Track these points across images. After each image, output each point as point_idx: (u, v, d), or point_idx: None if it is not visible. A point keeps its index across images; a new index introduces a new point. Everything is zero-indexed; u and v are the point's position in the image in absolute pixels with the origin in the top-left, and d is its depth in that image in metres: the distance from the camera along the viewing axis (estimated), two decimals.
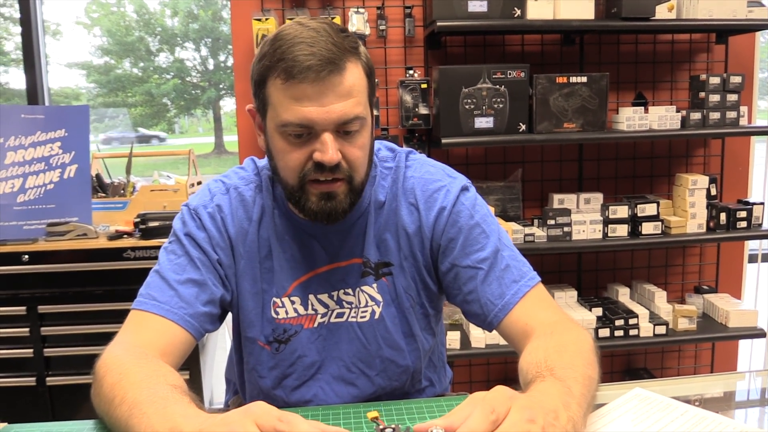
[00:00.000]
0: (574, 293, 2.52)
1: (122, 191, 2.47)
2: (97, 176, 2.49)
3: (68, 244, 2.23)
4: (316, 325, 1.11)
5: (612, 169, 2.61)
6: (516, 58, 2.49)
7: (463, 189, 1.12)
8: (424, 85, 2.39)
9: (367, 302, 1.10)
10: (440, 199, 1.10)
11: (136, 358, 0.88)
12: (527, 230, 2.32)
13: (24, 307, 2.23)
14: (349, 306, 1.11)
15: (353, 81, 0.94)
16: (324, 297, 1.10)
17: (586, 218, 2.34)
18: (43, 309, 2.24)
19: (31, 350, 2.25)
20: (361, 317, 1.10)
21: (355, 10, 2.32)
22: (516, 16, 2.18)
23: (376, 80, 2.39)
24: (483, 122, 2.24)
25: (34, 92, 2.66)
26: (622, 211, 2.34)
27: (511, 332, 1.03)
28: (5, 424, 0.94)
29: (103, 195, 2.46)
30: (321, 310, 1.10)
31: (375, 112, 2.35)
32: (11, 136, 2.30)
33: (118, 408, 0.78)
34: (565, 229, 2.33)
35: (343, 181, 0.98)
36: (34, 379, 2.26)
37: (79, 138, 2.37)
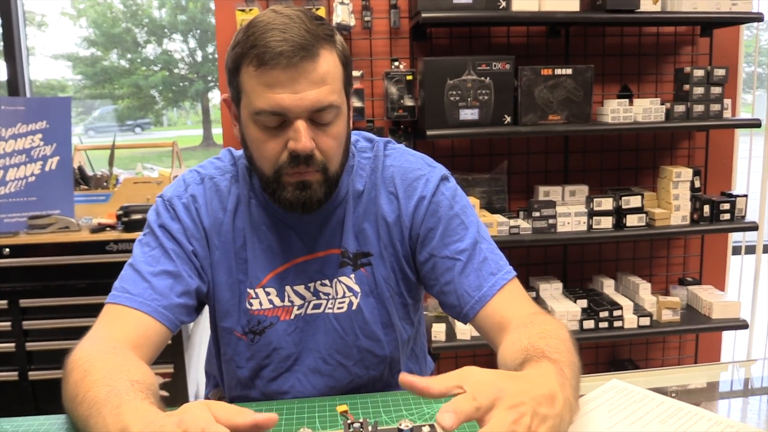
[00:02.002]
0: (559, 285, 2.52)
1: (105, 183, 2.45)
2: (80, 168, 2.47)
3: (50, 237, 2.21)
4: (292, 317, 1.10)
5: (597, 161, 2.62)
6: (502, 50, 2.49)
7: (443, 178, 1.11)
8: (409, 77, 2.37)
9: (344, 293, 1.09)
10: (420, 188, 1.09)
11: (103, 353, 0.86)
12: (512, 222, 2.32)
13: (5, 301, 2.21)
14: (326, 297, 1.10)
15: (327, 68, 0.93)
16: (300, 288, 1.09)
17: (571, 210, 2.34)
18: (24, 303, 2.22)
19: (14, 344, 2.23)
20: (338, 308, 1.10)
21: (340, 1, 2.30)
22: (501, 7, 2.17)
23: (361, 72, 2.40)
24: (468, 114, 2.23)
25: (15, 84, 2.63)
26: (606, 203, 2.34)
27: (487, 325, 1.03)
28: None
29: (86, 187, 2.44)
30: (297, 301, 1.09)
31: (357, 103, 2.35)
32: None
33: (80, 407, 0.77)
34: (550, 221, 2.33)
35: (317, 171, 0.97)
36: (16, 373, 2.25)
37: (61, 130, 2.34)
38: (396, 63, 2.41)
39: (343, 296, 1.10)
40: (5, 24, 2.61)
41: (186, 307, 1.04)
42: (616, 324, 2.38)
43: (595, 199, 2.34)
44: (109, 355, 0.87)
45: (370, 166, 1.12)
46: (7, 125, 2.29)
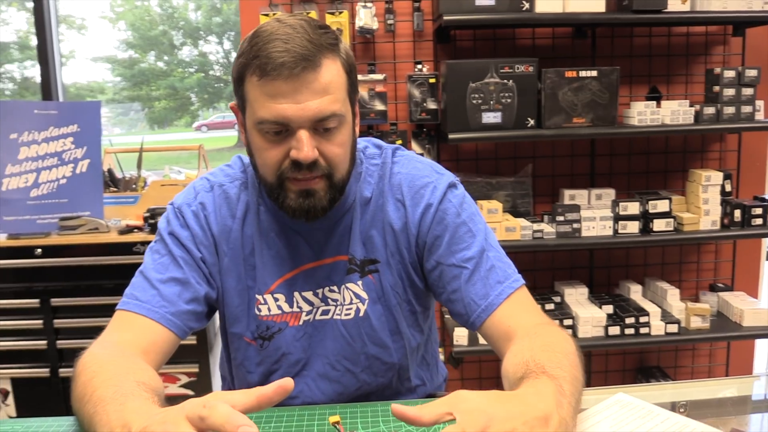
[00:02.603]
0: (585, 290, 2.49)
1: (133, 186, 2.50)
2: (109, 171, 2.53)
3: (80, 238, 2.27)
4: (301, 323, 1.11)
5: (625, 164, 2.57)
6: (527, 52, 2.46)
7: (450, 186, 1.10)
8: (432, 80, 2.37)
9: (351, 300, 1.10)
10: (427, 195, 1.09)
11: (111, 357, 0.89)
12: (536, 226, 2.29)
13: (38, 300, 2.28)
14: (334, 303, 1.10)
15: (330, 78, 0.93)
16: (309, 294, 1.10)
17: (596, 214, 2.30)
18: (56, 302, 2.29)
19: (45, 342, 2.30)
20: (346, 315, 1.10)
21: (363, 4, 2.31)
22: (524, 9, 2.15)
23: (384, 75, 2.40)
24: (490, 117, 2.21)
25: (48, 87, 2.71)
26: (633, 208, 2.29)
27: (493, 334, 1.02)
28: None
29: (115, 189, 2.50)
30: (306, 307, 1.10)
31: (380, 107, 2.35)
32: (25, 131, 2.34)
33: (86, 405, 0.79)
34: (575, 225, 2.29)
35: (321, 177, 0.97)
36: (48, 370, 2.31)
37: (91, 133, 2.41)
38: (419, 66, 2.40)
39: (351, 303, 1.10)
40: (39, 29, 2.69)
41: (194, 314, 1.05)
42: (643, 330, 2.33)
43: (620, 204, 2.29)
44: (118, 358, 0.89)
45: (378, 173, 1.12)
46: (40, 129, 2.36)
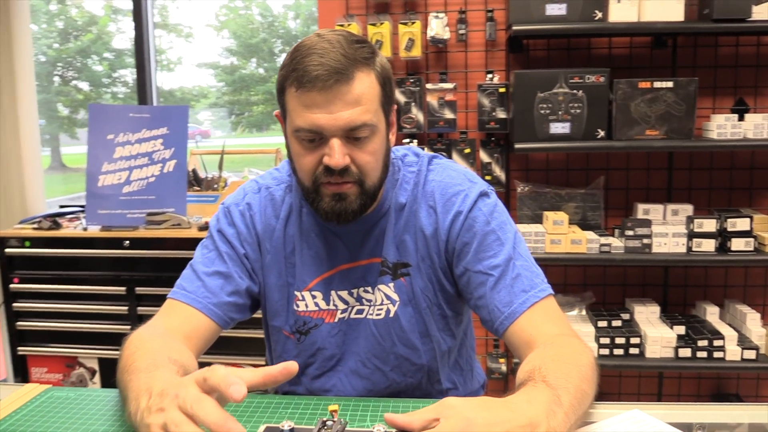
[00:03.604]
0: (656, 309, 2.39)
1: (215, 186, 2.67)
2: (194, 171, 2.70)
3: (164, 233, 2.45)
4: (336, 320, 1.16)
5: (706, 179, 2.45)
6: (602, 62, 2.41)
7: (482, 194, 1.12)
8: (502, 89, 2.37)
9: (383, 300, 1.14)
10: (458, 203, 1.11)
11: (153, 336, 0.98)
12: (603, 240, 2.24)
13: (124, 288, 2.47)
14: (368, 303, 1.15)
15: (362, 90, 0.98)
16: (344, 294, 1.15)
17: (668, 230, 2.22)
18: (140, 290, 2.47)
19: (129, 327, 2.48)
20: (377, 315, 1.15)
21: (435, 15, 2.35)
22: (597, 18, 2.12)
23: (454, 84, 2.42)
24: (559, 128, 2.19)
25: (143, 91, 2.93)
26: (709, 225, 2.19)
27: (516, 341, 1.03)
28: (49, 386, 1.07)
29: (198, 188, 2.67)
30: (341, 306, 1.16)
31: (449, 115, 2.38)
32: (120, 132, 2.56)
33: (125, 375, 0.88)
34: (645, 240, 2.22)
35: (353, 183, 1.03)
36: None
37: (179, 135, 2.58)
38: (490, 75, 2.41)
39: (382, 303, 1.14)
40: (137, 36, 2.92)
41: (236, 305, 1.13)
42: (717, 355, 2.22)
43: (696, 220, 2.20)
44: (158, 338, 0.99)
45: (413, 180, 1.16)
46: (134, 131, 2.56)
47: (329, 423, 0.70)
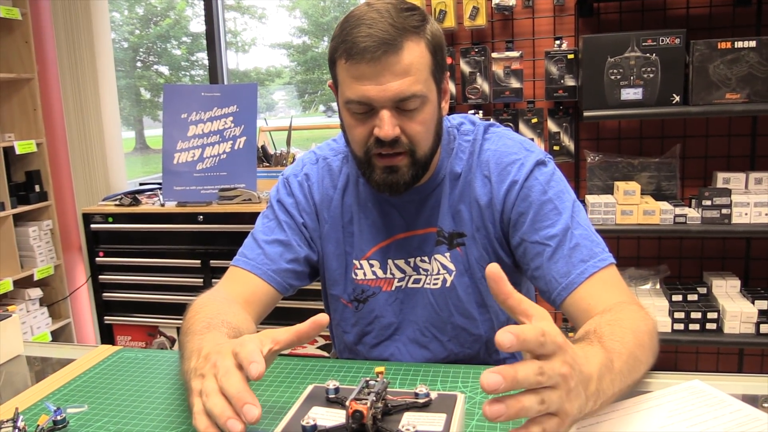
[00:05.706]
0: (736, 282, 2.28)
1: (283, 161, 2.73)
2: (263, 147, 2.77)
3: (236, 208, 2.54)
4: (393, 288, 1.17)
5: None
6: (679, 23, 2.28)
7: (538, 163, 1.10)
8: (571, 56, 2.29)
9: (439, 270, 1.14)
10: (513, 172, 1.10)
11: (213, 300, 1.03)
12: (678, 210, 2.15)
13: (199, 261, 2.58)
14: (425, 273, 1.16)
15: (411, 59, 0.98)
16: (401, 263, 1.16)
17: (750, 200, 2.10)
18: (214, 263, 2.58)
19: None
20: (434, 284, 1.15)
21: None
22: None
23: (520, 52, 2.36)
24: (630, 93, 2.10)
25: (214, 71, 3.01)
26: None
27: (573, 312, 1.01)
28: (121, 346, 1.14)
29: (267, 164, 2.74)
30: (398, 275, 1.17)
31: (516, 84, 2.33)
32: (193, 111, 2.65)
33: (184, 336, 0.93)
34: (724, 211, 2.11)
35: (404, 154, 1.02)
36: None
37: (248, 113, 2.65)
38: (558, 42, 2.34)
39: (438, 273, 1.15)
40: (207, 18, 3.00)
41: (295, 273, 1.16)
42: None
43: None
44: (218, 303, 1.03)
45: (469, 150, 1.14)
46: (206, 109, 2.65)
47: (371, 383, 0.72)
